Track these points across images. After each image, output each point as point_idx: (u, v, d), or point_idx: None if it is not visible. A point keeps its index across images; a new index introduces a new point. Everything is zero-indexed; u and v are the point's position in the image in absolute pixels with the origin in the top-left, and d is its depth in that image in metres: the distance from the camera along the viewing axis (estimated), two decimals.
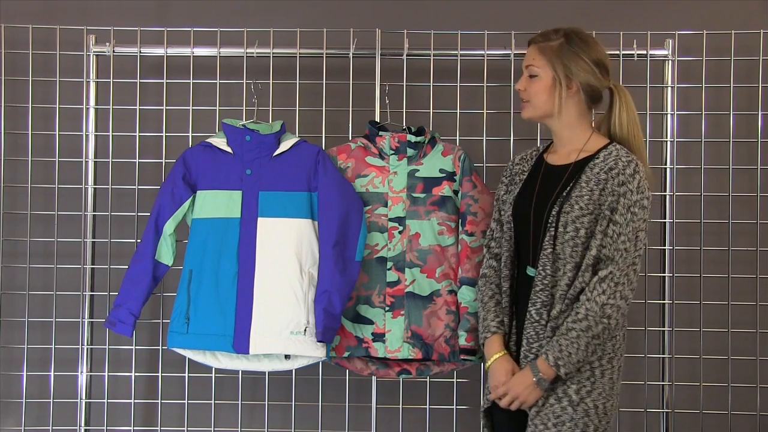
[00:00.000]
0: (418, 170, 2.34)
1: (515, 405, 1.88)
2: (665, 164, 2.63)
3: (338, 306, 2.20)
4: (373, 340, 2.28)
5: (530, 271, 1.93)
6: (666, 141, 2.63)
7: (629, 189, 1.83)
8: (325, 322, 2.19)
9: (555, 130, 1.99)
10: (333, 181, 2.28)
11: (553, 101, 1.92)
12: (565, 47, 1.91)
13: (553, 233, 1.87)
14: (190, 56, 2.61)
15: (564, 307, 1.85)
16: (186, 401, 2.61)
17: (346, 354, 2.28)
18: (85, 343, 2.60)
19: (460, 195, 2.33)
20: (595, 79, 1.92)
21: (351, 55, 2.58)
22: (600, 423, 1.85)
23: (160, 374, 2.61)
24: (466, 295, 2.25)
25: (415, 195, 2.32)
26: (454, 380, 2.58)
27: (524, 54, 2.56)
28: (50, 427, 2.64)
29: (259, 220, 2.27)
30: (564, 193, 1.89)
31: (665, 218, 2.62)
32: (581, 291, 1.84)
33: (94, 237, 2.62)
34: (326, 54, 2.59)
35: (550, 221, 1.88)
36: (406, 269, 2.28)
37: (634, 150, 1.93)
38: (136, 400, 2.64)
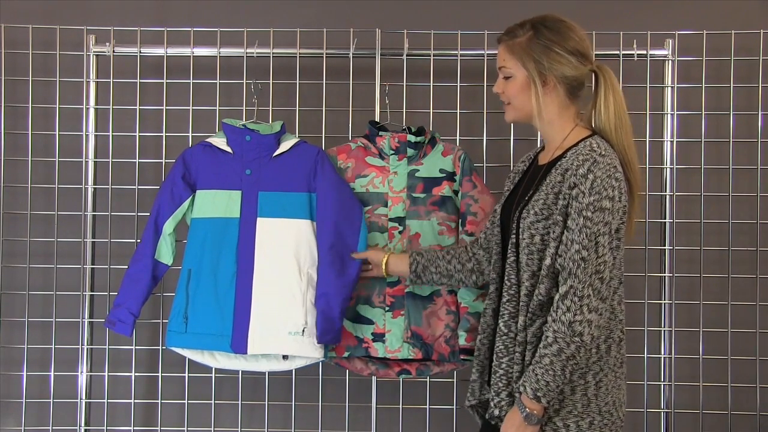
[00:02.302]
0: (418, 170, 2.34)
1: None
2: (665, 164, 2.63)
3: (336, 308, 2.20)
4: (373, 340, 2.28)
5: None
6: (666, 141, 2.63)
7: (581, 191, 1.68)
8: (323, 324, 2.19)
9: (539, 129, 1.89)
10: (331, 183, 2.28)
11: (531, 101, 1.80)
12: (534, 41, 1.78)
13: (514, 240, 1.79)
14: (190, 56, 2.61)
15: (527, 320, 1.74)
16: (186, 401, 2.61)
17: (345, 354, 2.28)
18: (85, 343, 2.60)
19: (460, 195, 2.33)
20: (573, 69, 1.78)
21: (351, 55, 2.58)
22: None
23: (160, 374, 2.61)
24: (466, 295, 2.25)
25: (415, 195, 2.32)
26: (454, 380, 2.58)
27: None
28: (50, 427, 2.64)
29: (259, 220, 2.27)
30: (526, 197, 1.80)
31: (665, 218, 2.62)
32: (540, 303, 1.72)
33: (94, 237, 2.62)
34: (326, 54, 2.59)
35: (513, 227, 1.80)
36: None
37: (619, 140, 1.79)
38: (136, 400, 2.64)
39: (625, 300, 2.63)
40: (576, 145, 1.78)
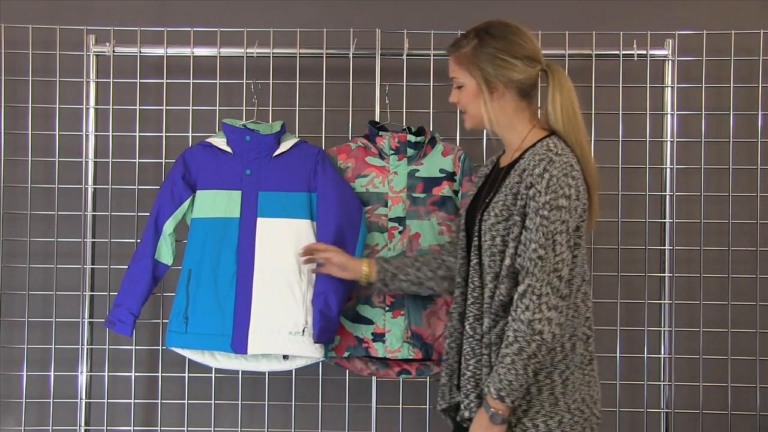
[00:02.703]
0: (418, 170, 2.34)
1: None
2: (665, 164, 2.63)
3: (335, 307, 2.20)
4: (373, 340, 2.28)
5: None
6: (666, 141, 2.63)
7: (537, 191, 1.69)
8: (322, 323, 2.19)
9: (497, 134, 1.88)
10: (331, 183, 2.28)
11: (481, 109, 1.82)
12: (478, 50, 1.80)
13: (477, 242, 1.79)
14: (190, 56, 2.61)
15: (491, 322, 1.75)
16: (186, 401, 2.61)
17: (346, 354, 2.28)
18: (85, 343, 2.60)
19: (460, 195, 2.33)
20: (520, 72, 1.78)
21: (351, 55, 2.58)
22: None
23: (160, 374, 2.62)
24: None
25: (415, 195, 2.32)
26: None
27: None
28: (50, 427, 2.64)
29: (259, 220, 2.27)
30: (487, 200, 1.81)
31: (665, 218, 2.62)
32: (502, 304, 1.73)
33: (94, 237, 2.62)
34: (326, 54, 2.59)
35: (475, 230, 1.81)
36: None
37: (571, 137, 1.78)
38: (136, 400, 2.64)
39: (625, 300, 2.66)
40: (534, 145, 1.78)
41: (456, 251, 2.05)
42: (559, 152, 1.73)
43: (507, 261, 1.72)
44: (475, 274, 1.80)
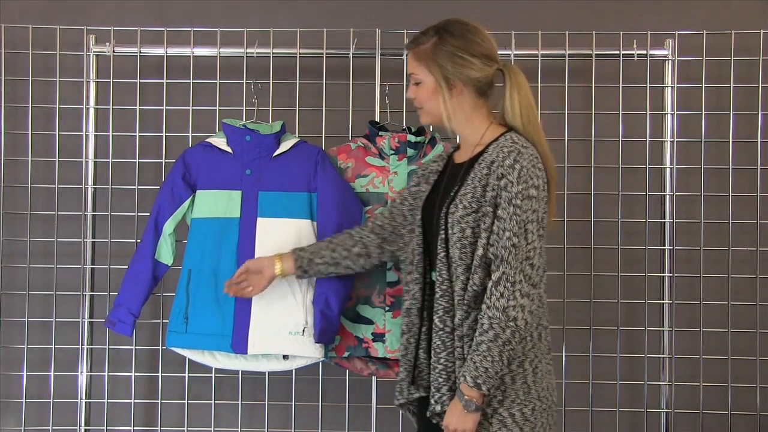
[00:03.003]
0: None
1: None
2: (665, 164, 2.63)
3: (335, 307, 2.20)
4: (373, 340, 2.28)
5: (434, 275, 1.90)
6: (666, 141, 2.63)
7: (509, 181, 1.73)
8: (323, 324, 2.19)
9: (454, 130, 1.91)
10: (331, 183, 2.28)
11: (440, 106, 1.85)
12: (438, 47, 1.83)
13: (443, 236, 1.81)
14: (190, 56, 2.61)
15: (464, 313, 1.77)
16: (186, 401, 2.61)
17: (346, 354, 2.28)
18: (85, 343, 2.60)
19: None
20: (478, 71, 1.83)
21: (351, 55, 2.58)
22: (522, 431, 1.77)
23: (160, 374, 2.62)
24: None
25: None
26: None
27: (524, 54, 2.60)
28: (50, 427, 2.64)
29: (259, 220, 2.27)
30: (452, 193, 1.83)
31: (665, 218, 2.62)
32: (475, 294, 1.76)
33: (94, 237, 2.62)
34: (326, 54, 2.59)
35: (440, 223, 1.83)
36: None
37: (530, 135, 1.82)
38: (136, 400, 2.64)
39: (625, 300, 2.66)
40: (496, 140, 1.82)
41: (384, 233, 2.08)
42: (525, 145, 1.79)
43: (480, 251, 1.75)
44: (443, 267, 1.81)
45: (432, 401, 1.81)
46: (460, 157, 1.91)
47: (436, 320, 1.82)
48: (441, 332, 1.81)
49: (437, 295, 1.82)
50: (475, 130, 1.88)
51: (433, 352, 1.83)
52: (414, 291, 1.94)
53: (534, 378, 1.80)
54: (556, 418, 1.87)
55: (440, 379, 1.80)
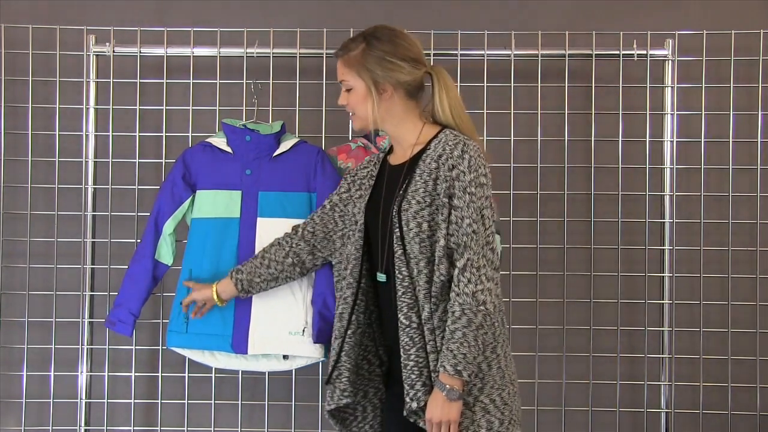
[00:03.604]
0: None
1: (446, 429, 1.76)
2: (665, 164, 2.63)
3: (333, 308, 2.20)
4: None
5: (380, 276, 1.90)
6: (666, 141, 2.63)
7: (461, 171, 1.78)
8: (320, 324, 2.19)
9: (388, 133, 1.95)
10: (331, 182, 2.28)
11: (370, 110, 1.88)
12: (367, 53, 1.86)
13: (398, 233, 1.82)
14: (190, 56, 2.61)
15: (432, 306, 1.79)
16: (186, 401, 2.61)
17: None
18: (85, 343, 2.60)
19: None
20: (407, 75, 1.86)
21: None
22: (504, 415, 1.81)
23: (160, 374, 2.62)
24: None
25: None
26: None
27: (524, 54, 2.60)
28: (50, 427, 2.64)
29: (259, 220, 2.27)
30: (400, 191, 1.85)
31: (665, 218, 2.62)
32: (442, 285, 1.78)
33: (94, 237, 2.62)
34: (326, 54, 2.59)
35: (393, 222, 1.84)
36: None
37: (464, 131, 1.87)
38: (136, 400, 2.64)
39: (625, 300, 2.66)
40: (436, 136, 1.87)
41: (315, 240, 2.10)
42: (467, 137, 1.84)
43: (441, 242, 1.78)
44: (402, 264, 1.82)
45: (407, 399, 1.80)
46: (397, 159, 1.94)
47: (401, 318, 1.82)
48: (408, 329, 1.81)
49: (399, 293, 1.82)
50: (409, 131, 1.91)
51: (402, 349, 1.82)
52: (347, 296, 1.94)
53: (506, 362, 1.85)
54: (520, 402, 1.91)
55: (413, 376, 1.80)
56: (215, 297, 2.13)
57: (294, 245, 2.12)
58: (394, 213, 1.84)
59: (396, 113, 1.90)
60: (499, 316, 1.83)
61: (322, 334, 2.19)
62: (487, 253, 1.76)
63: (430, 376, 1.79)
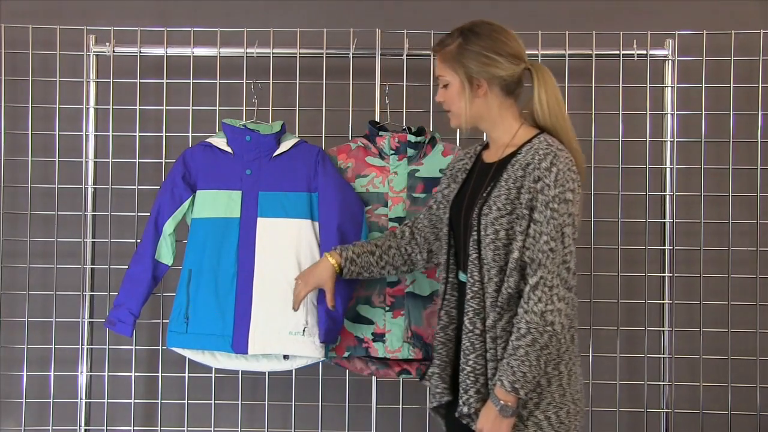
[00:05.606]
0: (419, 170, 2.34)
1: None
2: (665, 164, 2.63)
3: (340, 307, 2.20)
4: (373, 340, 2.28)
5: (461, 276, 1.88)
6: (666, 141, 2.63)
7: (546, 184, 1.71)
8: (328, 324, 2.18)
9: (484, 131, 1.90)
10: (332, 182, 2.28)
11: (464, 106, 1.84)
12: (463, 48, 1.82)
13: (476, 237, 1.79)
14: (190, 56, 2.61)
15: (497, 315, 1.75)
16: (186, 401, 2.61)
17: (346, 354, 2.28)
18: (85, 343, 2.60)
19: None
20: (503, 70, 1.81)
21: (351, 55, 2.58)
22: None
23: (160, 374, 2.62)
24: None
25: (415, 195, 2.32)
26: None
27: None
28: (50, 427, 2.64)
29: (259, 220, 2.27)
30: (485, 194, 1.81)
31: (665, 218, 2.62)
32: (509, 297, 1.74)
33: (94, 237, 2.62)
34: (326, 54, 2.59)
35: (472, 224, 1.80)
36: None
37: (560, 134, 1.81)
38: (136, 400, 2.64)
39: (625, 300, 2.66)
40: (530, 141, 1.81)
41: (430, 247, 2.09)
42: (560, 148, 1.77)
43: (515, 254, 1.73)
44: (475, 268, 1.80)
45: (460, 402, 1.80)
46: (490, 157, 1.89)
47: (466, 322, 1.80)
48: (470, 334, 1.80)
49: (467, 297, 1.80)
50: (505, 131, 1.86)
51: (462, 353, 1.81)
52: (441, 291, 1.94)
53: (569, 381, 1.79)
54: (583, 422, 1.86)
55: (468, 381, 1.79)
56: (332, 262, 2.07)
57: (413, 254, 2.10)
58: (474, 215, 1.81)
59: (491, 110, 1.85)
60: (569, 333, 1.78)
61: (330, 333, 2.19)
62: (562, 272, 1.70)
63: (485, 384, 1.78)
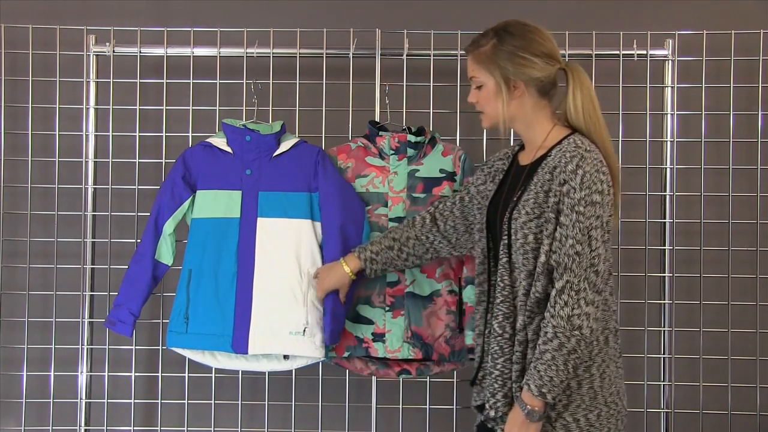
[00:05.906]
0: (419, 170, 2.34)
1: None
2: (665, 164, 2.63)
3: (345, 308, 2.21)
4: (373, 340, 2.28)
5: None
6: (666, 141, 2.63)
7: (572, 187, 1.70)
8: (333, 324, 2.19)
9: (518, 132, 1.89)
10: (333, 182, 2.28)
11: (500, 108, 1.82)
12: (498, 48, 1.81)
13: (506, 241, 1.79)
14: (190, 56, 2.61)
15: (526, 319, 1.75)
16: (186, 401, 2.61)
17: (346, 354, 2.28)
18: (85, 343, 2.60)
19: None
20: (540, 70, 1.79)
21: (351, 55, 2.58)
22: None
23: (160, 374, 2.62)
24: (471, 294, 2.25)
25: (415, 195, 2.32)
26: (454, 380, 2.58)
27: None
28: (50, 427, 2.64)
29: (259, 220, 2.27)
30: (515, 198, 1.81)
31: (665, 218, 2.62)
32: (537, 300, 1.73)
33: (94, 237, 2.62)
34: (326, 54, 2.59)
35: (503, 228, 1.81)
36: (406, 269, 2.28)
37: (593, 135, 1.79)
38: (136, 400, 2.64)
39: (625, 300, 2.66)
40: (559, 143, 1.79)
41: (455, 236, 2.11)
42: (588, 149, 1.75)
43: (542, 258, 1.72)
44: (505, 272, 1.80)
45: (487, 406, 1.80)
46: (524, 159, 1.89)
47: (495, 326, 1.80)
48: (500, 338, 1.79)
49: (497, 301, 1.80)
50: (538, 132, 1.85)
51: (490, 357, 1.81)
52: (480, 292, 1.94)
53: (601, 383, 1.77)
54: (623, 425, 1.84)
55: (496, 385, 1.79)
56: (347, 270, 2.14)
57: (435, 242, 2.11)
58: (505, 220, 1.81)
59: (526, 112, 1.83)
60: (602, 335, 1.77)
61: (335, 334, 2.20)
62: (590, 276, 1.68)
63: (513, 387, 1.77)
